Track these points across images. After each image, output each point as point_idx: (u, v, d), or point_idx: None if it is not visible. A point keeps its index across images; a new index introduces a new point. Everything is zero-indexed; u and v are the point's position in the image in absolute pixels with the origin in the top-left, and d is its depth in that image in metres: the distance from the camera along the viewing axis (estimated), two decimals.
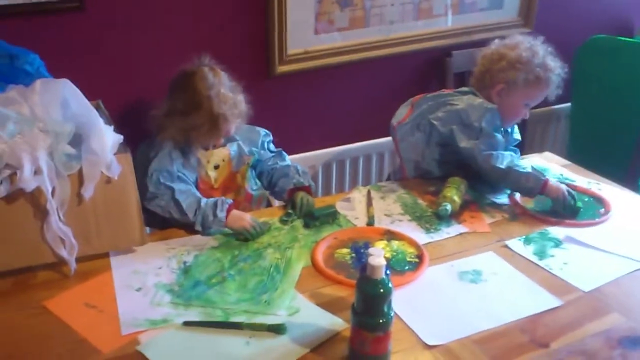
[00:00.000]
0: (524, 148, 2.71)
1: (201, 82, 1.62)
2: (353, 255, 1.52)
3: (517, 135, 2.03)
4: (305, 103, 2.33)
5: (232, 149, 1.76)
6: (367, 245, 1.54)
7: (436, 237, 1.63)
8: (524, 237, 1.62)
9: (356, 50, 2.34)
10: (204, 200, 1.58)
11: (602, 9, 2.90)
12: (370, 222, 1.67)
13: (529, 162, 2.02)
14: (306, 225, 1.64)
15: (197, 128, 1.61)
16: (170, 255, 1.49)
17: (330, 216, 1.67)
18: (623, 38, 2.69)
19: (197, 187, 1.69)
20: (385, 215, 1.72)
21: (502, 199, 1.82)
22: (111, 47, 1.94)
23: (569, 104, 2.89)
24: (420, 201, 1.80)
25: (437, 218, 1.70)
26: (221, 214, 1.55)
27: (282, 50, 2.19)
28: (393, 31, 2.40)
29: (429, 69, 2.54)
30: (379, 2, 2.32)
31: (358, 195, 1.82)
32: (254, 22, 2.13)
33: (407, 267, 1.48)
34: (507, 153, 1.79)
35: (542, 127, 2.97)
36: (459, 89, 1.93)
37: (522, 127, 2.76)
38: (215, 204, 1.57)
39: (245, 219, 1.57)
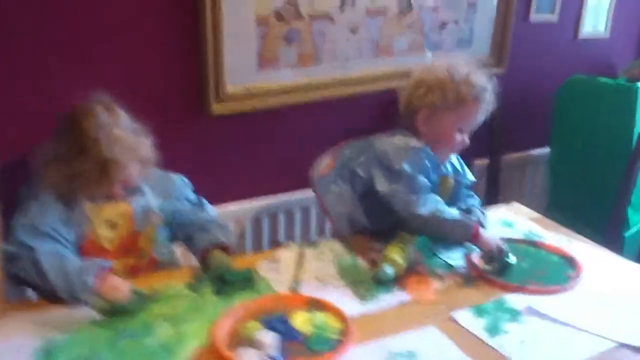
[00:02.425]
0: (496, 198, 2.48)
1: (89, 121, 1.38)
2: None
3: (470, 176, 1.80)
4: (245, 147, 2.10)
5: (135, 203, 1.50)
6: (283, 319, 1.28)
7: (372, 307, 1.36)
8: (475, 307, 1.36)
9: (306, 89, 2.12)
10: (72, 263, 1.32)
11: (583, 48, 2.70)
12: (294, 288, 1.41)
13: (495, 215, 1.79)
14: (218, 292, 1.38)
15: (83, 175, 1.36)
16: (35, 329, 1.22)
17: (246, 281, 1.41)
18: (605, 79, 2.47)
19: (81, 247, 1.43)
20: (317, 279, 1.46)
21: (457, 259, 1.56)
22: (20, 84, 1.72)
23: (547, 149, 2.65)
24: (360, 262, 1.54)
25: (376, 283, 1.44)
26: (90, 280, 1.28)
27: (218, 87, 1.97)
28: (348, 69, 2.18)
29: (390, 111, 2.31)
30: (330, 36, 2.12)
31: (288, 255, 1.56)
32: (188, 55, 1.92)
33: (326, 347, 1.21)
34: (432, 197, 1.57)
35: (519, 174, 2.73)
36: (391, 131, 1.70)
37: (495, 174, 2.54)
38: (84, 268, 1.30)
39: (121, 289, 1.30)
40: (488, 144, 2.50)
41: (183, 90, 1.95)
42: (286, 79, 2.08)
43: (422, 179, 1.58)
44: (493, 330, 1.28)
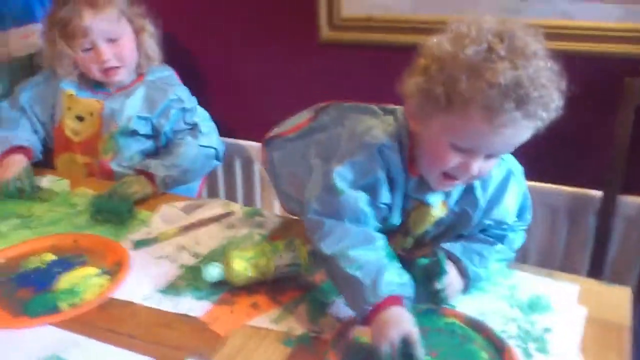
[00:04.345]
0: (601, 260, 1.32)
1: None
2: None
3: (510, 214, 1.03)
4: (350, 88, 1.68)
5: (108, 102, 1.44)
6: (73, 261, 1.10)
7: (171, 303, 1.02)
8: None
9: None
10: None
11: None
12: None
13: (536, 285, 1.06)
14: (93, 214, 1.26)
15: (52, 43, 1.39)
16: None
17: (119, 213, 1.25)
18: None
19: (52, 130, 1.48)
20: (182, 247, 1.16)
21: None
22: None
23: None
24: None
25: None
26: None
27: (332, 10, 1.64)
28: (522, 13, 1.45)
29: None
30: None
31: (205, 212, 1.28)
32: None
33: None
34: (360, 232, 0.94)
35: None
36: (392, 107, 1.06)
37: (605, 222, 1.31)
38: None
39: (11, 168, 1.32)
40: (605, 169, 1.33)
41: (298, 14, 1.70)
42: (418, 12, 1.55)
43: (358, 197, 0.95)
44: None
